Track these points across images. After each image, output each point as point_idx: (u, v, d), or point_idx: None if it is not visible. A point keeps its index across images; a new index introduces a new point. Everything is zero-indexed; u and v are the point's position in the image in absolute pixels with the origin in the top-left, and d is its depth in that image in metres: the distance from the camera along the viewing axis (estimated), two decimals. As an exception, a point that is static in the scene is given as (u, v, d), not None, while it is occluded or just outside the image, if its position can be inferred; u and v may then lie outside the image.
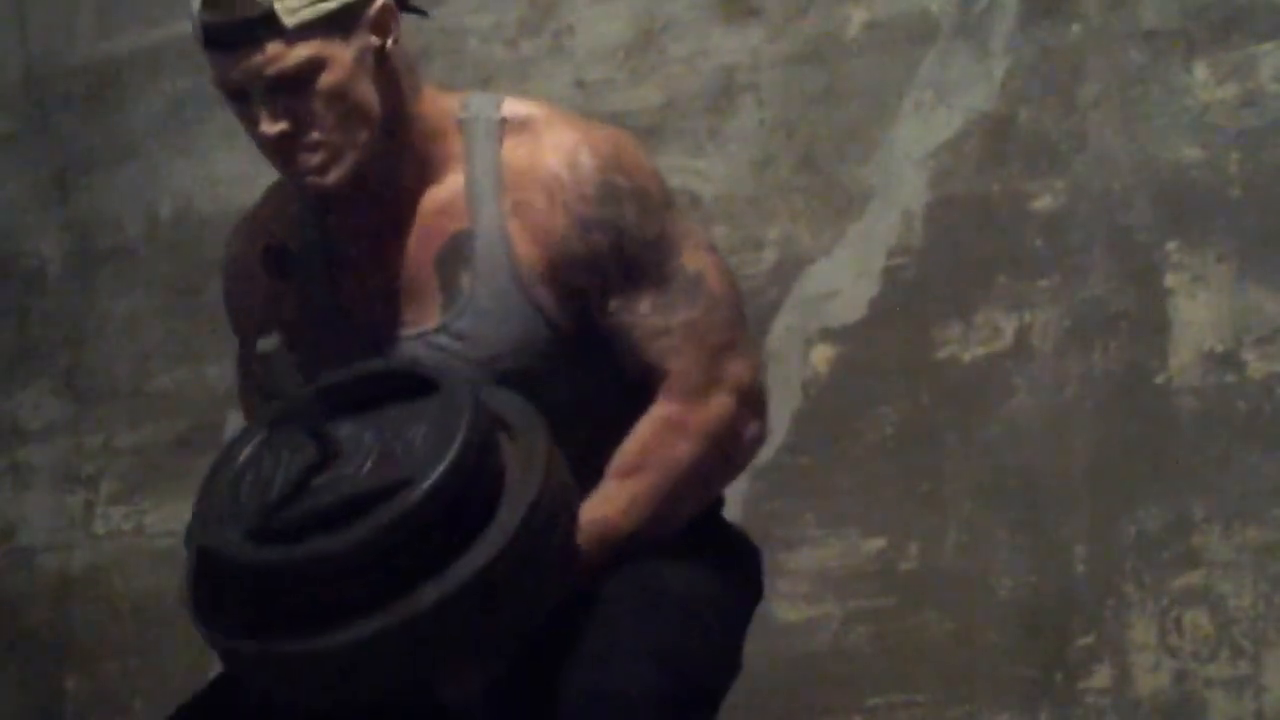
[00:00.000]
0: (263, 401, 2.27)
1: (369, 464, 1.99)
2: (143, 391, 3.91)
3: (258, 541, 1.96)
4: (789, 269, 3.31)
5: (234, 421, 3.56)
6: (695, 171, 3.39)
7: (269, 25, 2.11)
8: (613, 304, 2.19)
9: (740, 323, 2.25)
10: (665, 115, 3.42)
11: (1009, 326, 3.17)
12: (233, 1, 2.11)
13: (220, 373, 3.80)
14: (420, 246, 2.23)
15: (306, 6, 2.11)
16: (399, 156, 2.22)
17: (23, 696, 3.95)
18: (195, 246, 3.87)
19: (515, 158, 2.21)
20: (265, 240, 2.33)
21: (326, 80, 2.13)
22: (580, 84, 3.51)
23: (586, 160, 2.18)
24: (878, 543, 3.22)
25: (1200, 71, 3.09)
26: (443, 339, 2.21)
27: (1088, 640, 3.08)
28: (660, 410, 2.18)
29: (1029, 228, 3.17)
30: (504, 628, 2.00)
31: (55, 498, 3.96)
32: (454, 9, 3.59)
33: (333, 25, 2.13)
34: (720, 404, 2.20)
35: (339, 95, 2.14)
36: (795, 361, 3.29)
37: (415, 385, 2.05)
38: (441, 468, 1.94)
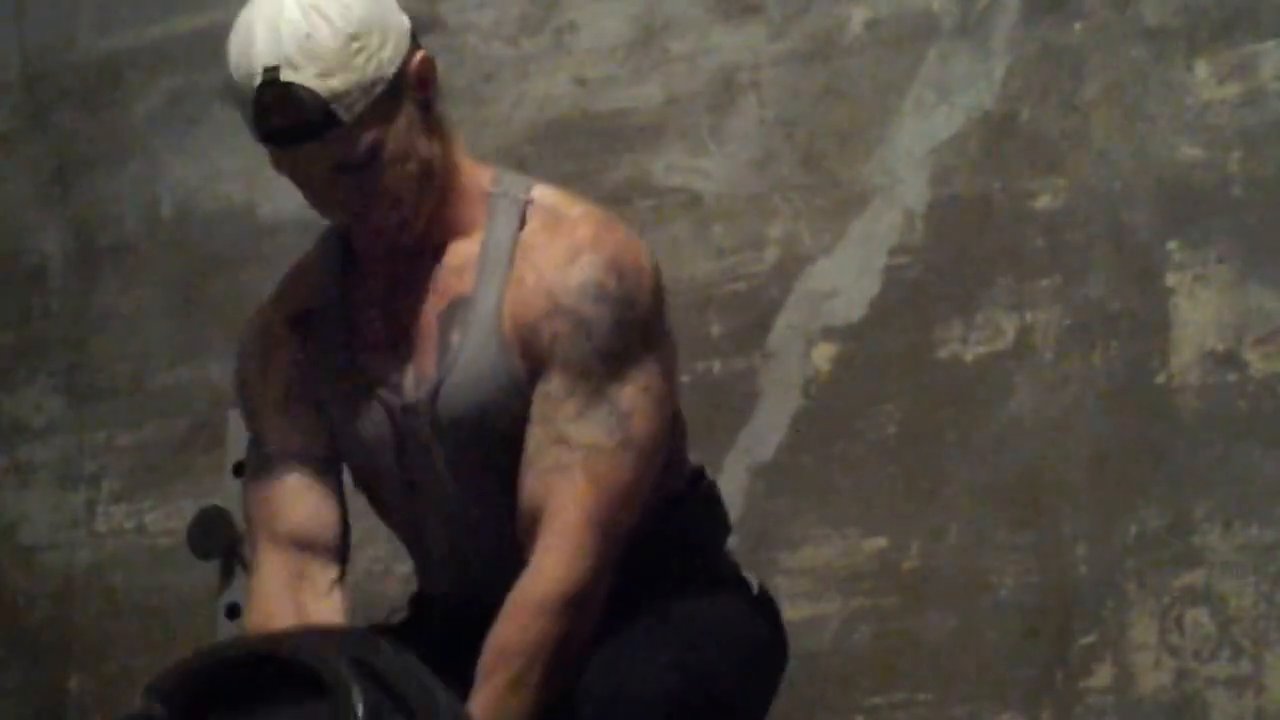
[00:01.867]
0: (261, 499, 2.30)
1: None
2: (144, 389, 3.90)
3: None
4: (790, 268, 3.31)
5: (235, 419, 3.57)
6: (696, 170, 3.39)
7: (328, 123, 2.14)
8: (545, 389, 2.19)
9: (639, 475, 2.20)
10: (666, 113, 3.42)
11: (1010, 325, 3.17)
12: (287, 106, 2.13)
13: (222, 370, 3.80)
14: (427, 304, 2.26)
15: (360, 96, 2.14)
16: (430, 219, 2.25)
17: (25, 695, 3.94)
18: (196, 244, 3.88)
19: (532, 239, 2.23)
20: (290, 309, 2.36)
21: (389, 154, 2.18)
22: (581, 81, 3.51)
23: (587, 256, 2.19)
24: (878, 542, 3.22)
25: (1201, 70, 3.09)
26: (427, 403, 2.24)
27: (1089, 639, 3.08)
28: (526, 581, 2.15)
29: (1030, 227, 3.17)
30: None
31: (57, 496, 3.96)
32: (454, 5, 3.60)
33: (386, 102, 2.16)
34: (585, 570, 2.16)
35: (402, 161, 2.19)
36: (796, 360, 3.29)
37: (302, 675, 1.95)
38: None
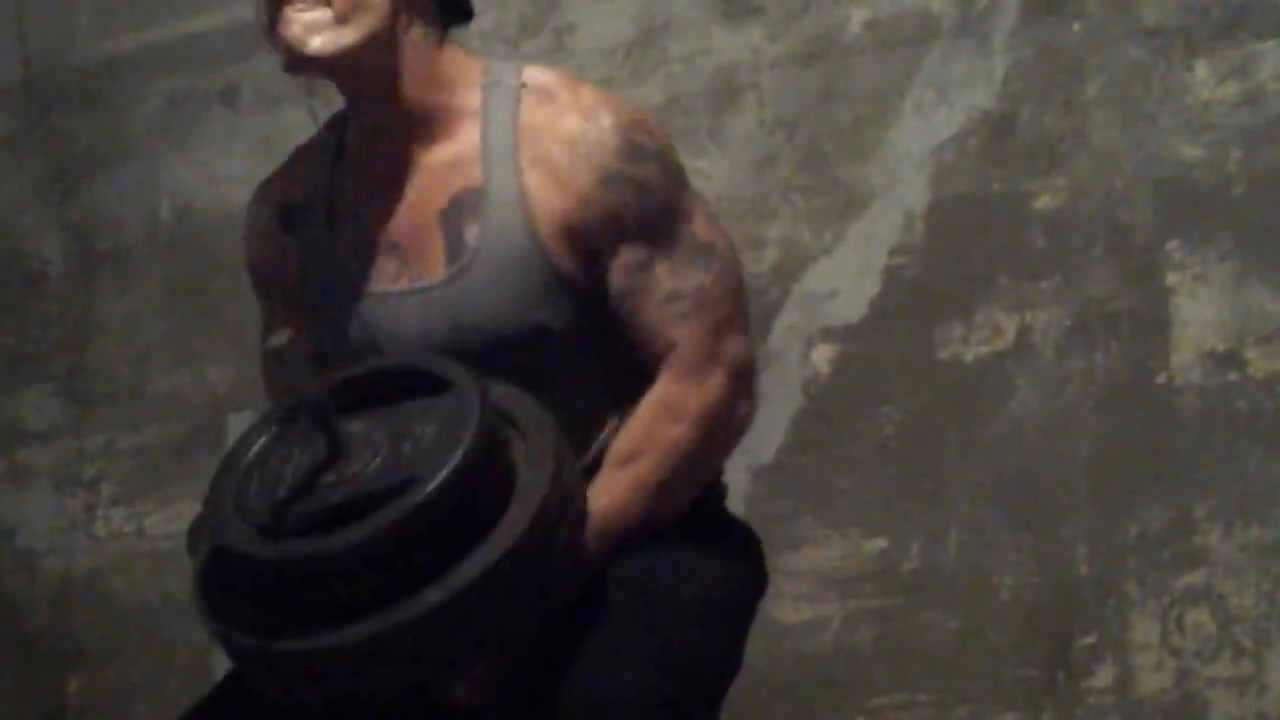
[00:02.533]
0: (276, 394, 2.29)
1: (378, 462, 1.99)
2: (143, 393, 3.90)
3: (267, 537, 1.97)
4: (790, 268, 3.32)
5: (234, 423, 3.58)
6: (696, 171, 3.31)
7: None
8: (628, 263, 2.19)
9: (743, 296, 2.27)
10: (666, 114, 3.40)
11: (1010, 326, 3.17)
12: None
13: (221, 374, 3.81)
14: (425, 200, 2.22)
15: None
16: (410, 109, 2.22)
17: (24, 699, 3.95)
18: (195, 247, 3.88)
19: (534, 118, 2.20)
20: (279, 197, 2.34)
21: None
22: (581, 83, 3.52)
23: (607, 118, 2.18)
24: (879, 543, 3.22)
25: (1201, 70, 3.09)
26: (440, 294, 2.20)
27: (1090, 640, 3.08)
28: (659, 392, 2.19)
29: (1030, 227, 3.17)
30: (511, 628, 2.00)
31: (56, 500, 3.97)
32: (455, 8, 3.61)
33: None
34: (717, 385, 2.20)
35: None
36: (796, 361, 3.30)
37: (427, 382, 2.05)
38: (448, 468, 1.93)
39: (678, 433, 2.18)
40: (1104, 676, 3.07)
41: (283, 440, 2.06)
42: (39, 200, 4.00)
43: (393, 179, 2.24)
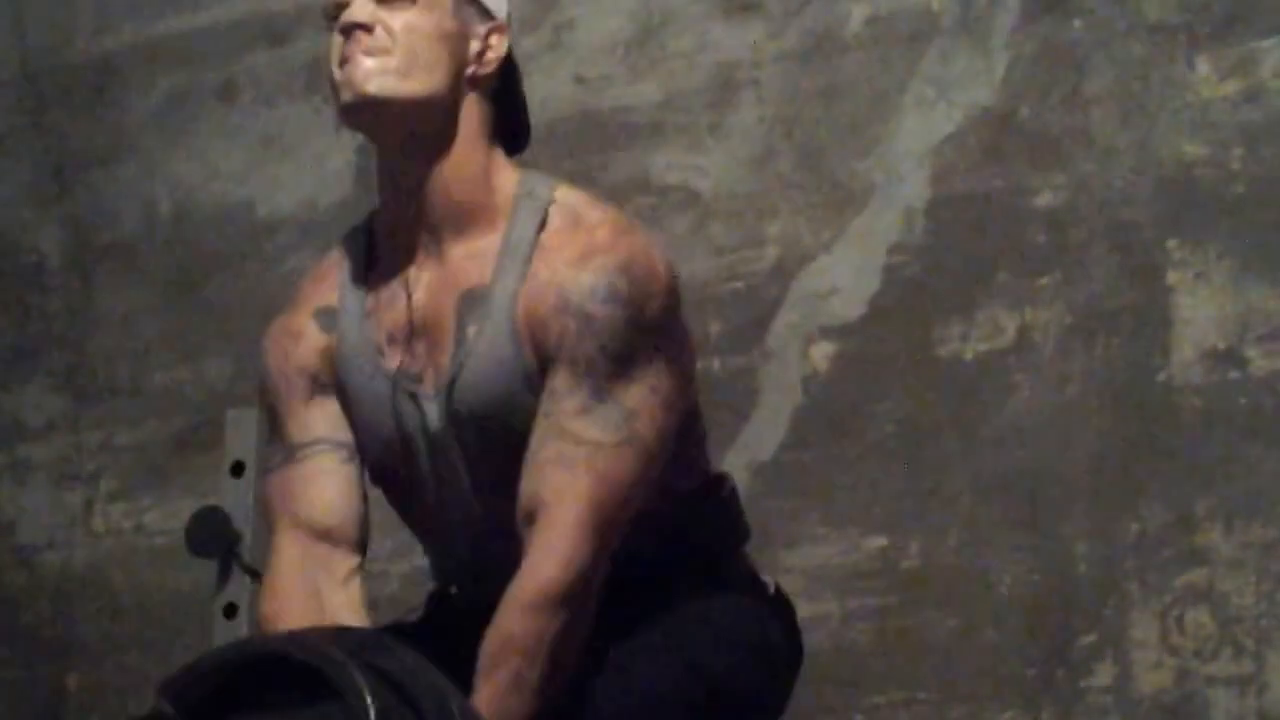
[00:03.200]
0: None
1: None
2: (142, 389, 3.91)
3: None
4: (789, 266, 3.32)
5: (233, 419, 3.56)
6: (695, 168, 3.40)
7: None
8: (549, 388, 2.18)
9: (640, 476, 2.19)
10: (665, 111, 3.43)
11: (1010, 323, 3.18)
12: None
13: (219, 369, 3.82)
14: (444, 294, 2.26)
15: None
16: (443, 203, 2.26)
17: (23, 694, 3.96)
18: (195, 243, 3.89)
19: (550, 239, 2.23)
20: (316, 305, 2.36)
21: (421, 11, 2.22)
22: (580, 79, 3.52)
23: (601, 259, 2.18)
24: (878, 540, 3.23)
25: (1202, 67, 3.09)
26: (444, 397, 2.24)
27: (1090, 638, 3.08)
28: (520, 586, 2.14)
29: (1030, 224, 3.18)
30: None
31: (55, 495, 3.97)
32: (453, 4, 3.61)
33: None
34: (584, 566, 2.14)
35: (423, 30, 2.22)
36: (795, 359, 3.30)
37: (311, 675, 1.94)
38: None
39: (547, 623, 2.13)
40: (1103, 675, 3.07)
41: None
42: (38, 195, 4.01)
43: (424, 273, 2.28)
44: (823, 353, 3.28)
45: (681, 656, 2.15)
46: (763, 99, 3.37)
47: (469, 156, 2.26)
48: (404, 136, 2.24)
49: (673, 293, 2.24)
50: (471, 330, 2.23)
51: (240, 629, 3.26)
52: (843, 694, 3.23)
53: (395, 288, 2.30)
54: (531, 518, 2.15)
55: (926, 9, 3.27)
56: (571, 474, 2.14)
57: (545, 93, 3.52)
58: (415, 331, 2.28)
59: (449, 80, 2.24)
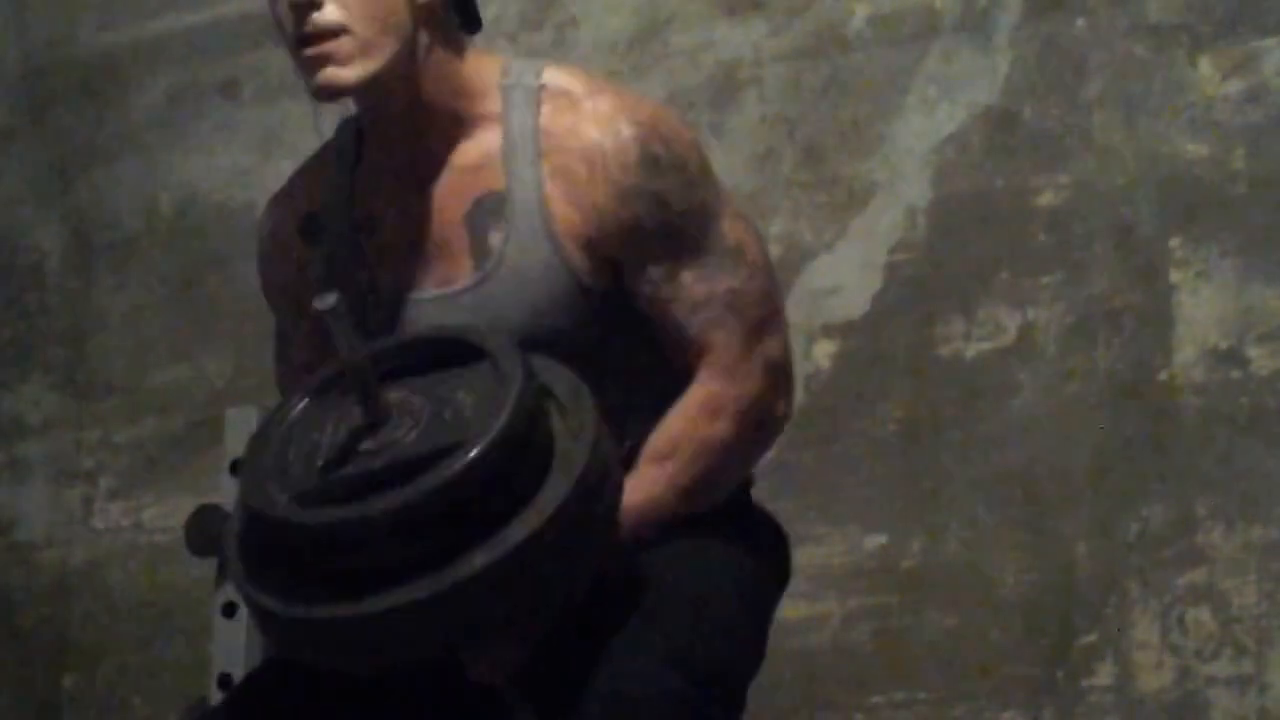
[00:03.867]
0: (305, 366, 2.29)
1: (418, 429, 1.98)
2: (142, 386, 3.91)
3: (305, 504, 1.96)
4: (791, 264, 3.31)
5: (233, 417, 3.56)
6: None
7: None
8: (653, 274, 2.19)
9: (777, 294, 2.27)
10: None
11: (1012, 323, 3.18)
12: None
13: (220, 367, 3.81)
14: (449, 204, 2.23)
15: None
16: (429, 111, 2.22)
17: (21, 693, 3.95)
18: (195, 240, 3.88)
19: (554, 124, 2.20)
20: (298, 209, 2.34)
21: None
22: (582, 78, 3.52)
23: (626, 129, 2.18)
24: (879, 539, 3.23)
25: (1205, 66, 3.10)
26: (467, 300, 2.21)
27: (1090, 638, 3.09)
28: (697, 391, 2.20)
29: (1032, 223, 3.18)
30: (547, 598, 1.99)
31: (54, 493, 3.96)
32: (455, 1, 3.60)
33: None
34: (755, 383, 2.21)
35: (365, 5, 2.15)
36: (797, 357, 3.24)
37: (465, 352, 2.04)
38: (491, 435, 1.93)
39: (715, 430, 2.19)
40: (1104, 675, 3.08)
41: (320, 408, 2.05)
42: (38, 193, 4.00)
43: (415, 182, 2.25)
44: (824, 351, 3.29)
45: (668, 650, 2.09)
46: (765, 98, 3.37)
47: (444, 73, 2.22)
48: (381, 96, 2.21)
49: (682, 124, 2.27)
50: (495, 237, 2.20)
51: (240, 628, 3.26)
52: (843, 693, 3.23)
53: (388, 196, 2.28)
54: (699, 361, 2.21)
55: (929, 8, 3.27)
56: (728, 325, 2.19)
57: None
58: (417, 245, 2.25)
59: (408, 28, 2.18)
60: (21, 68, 4.04)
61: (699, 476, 2.19)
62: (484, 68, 2.26)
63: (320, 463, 1.99)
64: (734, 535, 2.29)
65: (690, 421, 2.19)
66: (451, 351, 2.06)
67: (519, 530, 1.93)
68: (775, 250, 3.32)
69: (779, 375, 2.25)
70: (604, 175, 2.18)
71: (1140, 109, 3.13)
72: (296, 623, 1.98)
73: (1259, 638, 3.00)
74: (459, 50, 2.24)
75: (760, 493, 3.24)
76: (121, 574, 3.88)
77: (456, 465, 1.92)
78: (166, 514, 3.82)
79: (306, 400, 2.08)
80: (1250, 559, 3.01)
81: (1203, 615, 3.03)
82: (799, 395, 3.27)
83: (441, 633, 1.94)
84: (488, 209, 2.21)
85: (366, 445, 1.98)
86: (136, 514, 3.89)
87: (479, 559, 1.91)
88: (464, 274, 2.22)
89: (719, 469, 2.21)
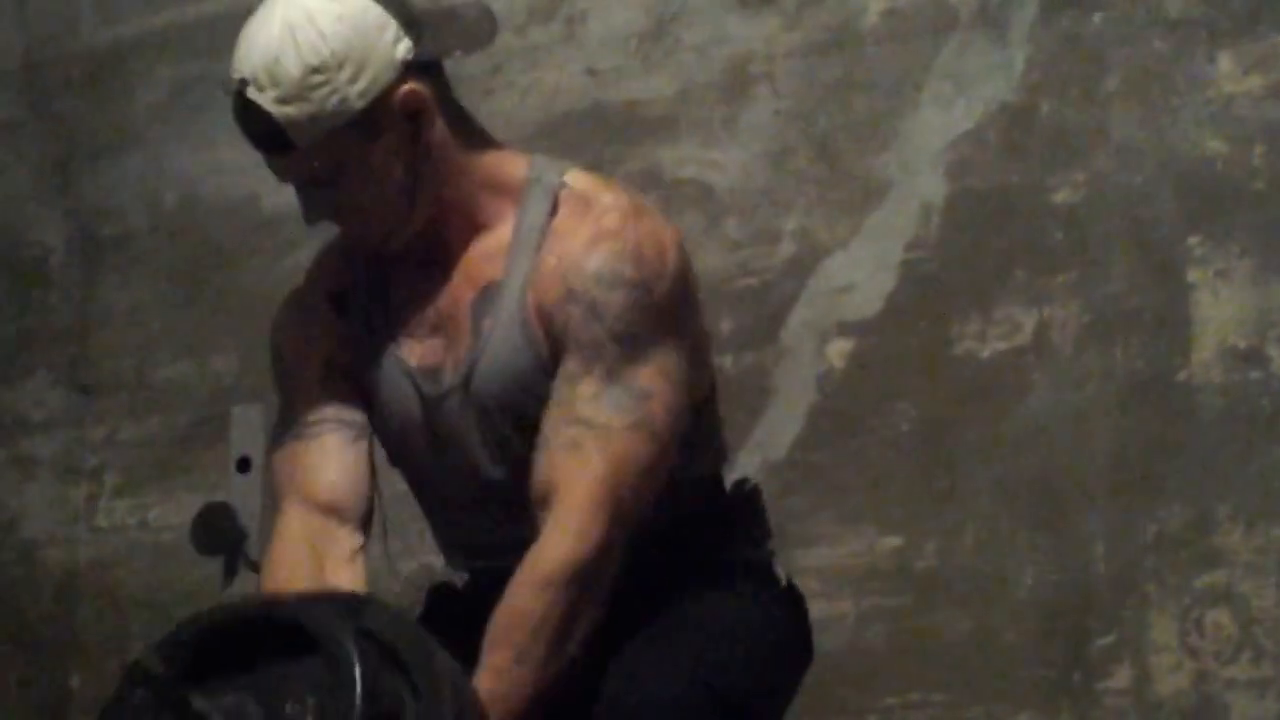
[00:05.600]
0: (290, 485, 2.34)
1: None
2: (146, 383, 3.91)
3: None
4: (805, 262, 3.32)
5: (239, 414, 3.58)
6: (709, 162, 3.41)
7: (284, 144, 2.25)
8: (560, 375, 2.23)
9: (656, 458, 2.22)
10: (678, 105, 3.43)
11: (1028, 321, 3.18)
12: (250, 118, 2.26)
13: (225, 364, 3.82)
14: (461, 290, 2.33)
15: (314, 126, 2.22)
16: (451, 208, 2.32)
17: (26, 692, 3.96)
18: (199, 235, 3.89)
19: (561, 226, 2.28)
20: (330, 286, 2.43)
21: (355, 179, 2.27)
22: (591, 72, 3.53)
23: (608, 244, 2.23)
24: (894, 540, 3.23)
25: (1224, 63, 3.10)
26: (460, 382, 2.29)
27: (1107, 640, 3.09)
28: (534, 554, 2.17)
29: (1049, 221, 3.18)
30: None
31: (58, 490, 3.98)
32: (463, -6, 3.60)
33: (351, 132, 2.24)
34: (596, 546, 2.16)
35: (368, 186, 2.27)
36: (811, 356, 3.31)
37: (294, 633, 1.97)
38: None
39: (546, 602, 2.16)
40: (1121, 677, 3.08)
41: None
42: (41, 187, 4.00)
43: (436, 266, 2.35)
44: (838, 350, 3.29)
45: (688, 663, 2.17)
46: (778, 93, 3.38)
47: (458, 179, 2.32)
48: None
49: (682, 274, 2.28)
50: (487, 323, 2.28)
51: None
52: (857, 695, 3.24)
53: (413, 282, 2.36)
54: (545, 502, 2.19)
55: (944, 3, 3.27)
56: (584, 457, 2.18)
57: (557, 85, 3.55)
58: (433, 328, 2.33)
59: (425, 182, 2.29)
60: (25, 61, 4.05)
61: (546, 651, 2.16)
62: (507, 164, 2.36)
63: None
64: (756, 597, 2.35)
65: (524, 596, 2.16)
66: (284, 634, 1.97)
67: None
68: (788, 248, 3.34)
69: (618, 538, 2.19)
70: (562, 273, 2.24)
71: (1158, 105, 3.13)
72: None
73: (1278, 640, 3.00)
74: (476, 148, 2.35)
75: (774, 492, 3.27)
76: (127, 572, 3.89)
77: None
78: (172, 512, 3.84)
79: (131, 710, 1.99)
80: (1269, 560, 3.02)
81: (1221, 617, 3.04)
82: (811, 395, 3.31)
83: None
84: (487, 298, 2.30)
85: None
86: (142, 512, 3.90)
87: None
88: (464, 359, 2.30)
89: (564, 637, 2.17)
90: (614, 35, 3.50)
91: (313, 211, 2.32)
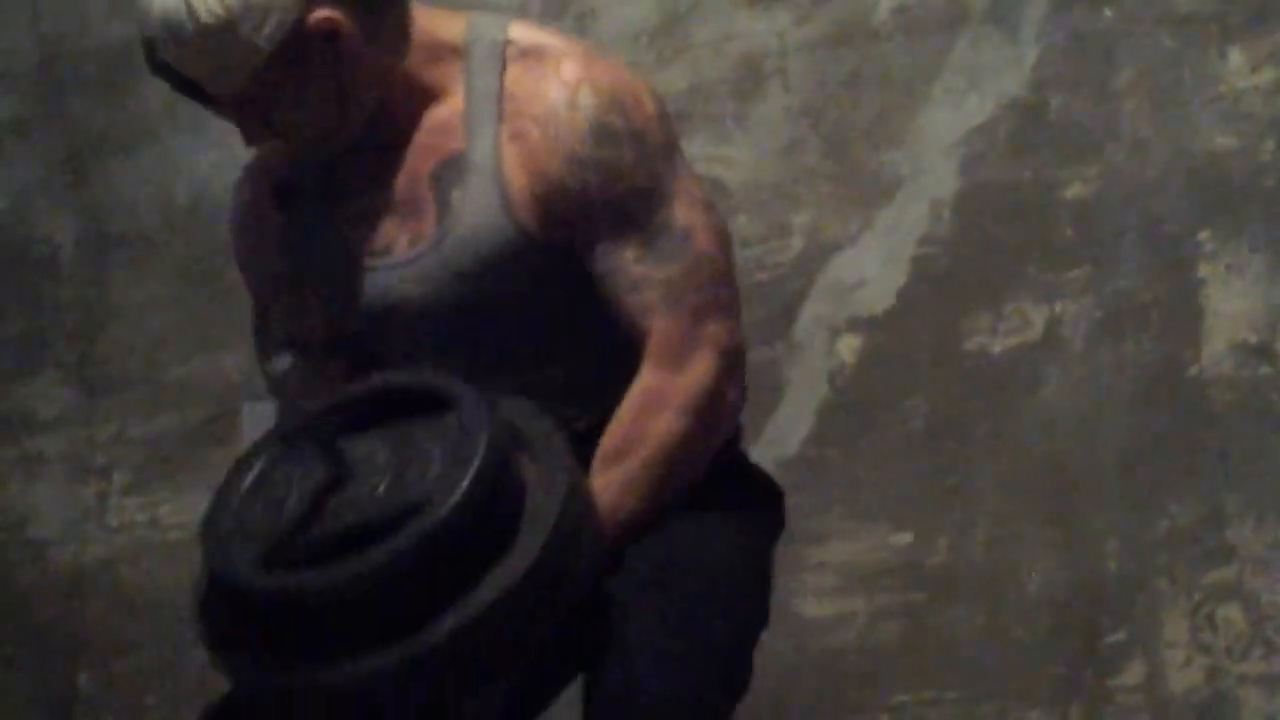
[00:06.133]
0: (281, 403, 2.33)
1: (384, 485, 1.99)
2: (157, 381, 3.90)
3: (270, 567, 1.96)
4: (816, 257, 3.33)
5: (249, 412, 3.59)
6: (721, 158, 3.40)
7: (205, 96, 2.26)
8: (598, 248, 2.23)
9: (724, 282, 2.26)
10: (690, 101, 3.43)
11: (1039, 317, 3.19)
12: (168, 76, 2.24)
13: (236, 361, 3.81)
14: (417, 164, 2.29)
15: (231, 77, 2.20)
16: (393, 92, 2.28)
17: (35, 692, 3.95)
18: (211, 232, 3.87)
19: (517, 86, 2.25)
20: (273, 178, 2.41)
21: (285, 106, 2.24)
22: (603, 68, 3.52)
23: (586, 98, 2.21)
24: (905, 537, 3.25)
25: (1235, 57, 3.11)
26: (430, 260, 2.26)
27: (1119, 636, 3.11)
28: (640, 384, 2.21)
29: (1060, 216, 3.19)
30: (523, 652, 2.01)
31: (67, 489, 3.96)
32: (473, -10, 3.61)
33: (271, 69, 2.20)
34: (700, 371, 2.21)
35: (301, 109, 2.24)
36: (822, 352, 3.31)
37: (432, 400, 2.05)
38: (458, 493, 1.93)
39: (663, 424, 2.21)
40: (1133, 674, 3.10)
41: (284, 463, 2.06)
42: (52, 184, 3.98)
43: (387, 147, 2.31)
44: (849, 346, 3.30)
45: (681, 648, 2.13)
46: (789, 89, 3.38)
47: (395, 56, 2.27)
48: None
49: (660, 104, 2.28)
50: (455, 195, 2.26)
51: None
52: (868, 692, 3.25)
53: (364, 167, 2.33)
54: (640, 348, 2.22)
55: (955, -2, 3.29)
56: (665, 310, 2.20)
57: None
58: (389, 207, 2.30)
59: (359, 85, 2.25)
60: (35, 58, 4.03)
61: (655, 477, 2.21)
62: (443, 27, 2.31)
63: (285, 522, 1.98)
64: (728, 504, 2.32)
65: (636, 419, 2.21)
66: (420, 399, 2.06)
67: (488, 592, 1.93)
68: (799, 243, 3.34)
69: (726, 361, 2.24)
70: (556, 142, 2.22)
71: (1169, 100, 3.14)
72: (267, 688, 1.98)
73: (1290, 636, 3.02)
74: (406, 27, 2.28)
75: (784, 487, 3.26)
76: (136, 571, 3.88)
77: (423, 528, 1.92)
78: (182, 510, 3.82)
79: (270, 453, 2.08)
80: (1280, 556, 3.04)
81: (1232, 613, 3.05)
82: (822, 390, 3.31)
83: (416, 696, 1.95)
84: (450, 170, 2.26)
85: (332, 503, 1.98)
86: (151, 510, 3.88)
87: (448, 622, 1.92)
88: (430, 232, 2.28)
89: (673, 463, 2.22)
90: (625, 31, 3.49)
91: (252, 136, 2.30)
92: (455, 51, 2.29)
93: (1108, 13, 3.19)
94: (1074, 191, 3.19)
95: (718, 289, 2.25)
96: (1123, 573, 3.12)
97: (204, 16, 2.17)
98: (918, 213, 3.28)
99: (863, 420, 3.28)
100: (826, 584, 3.28)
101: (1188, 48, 3.14)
